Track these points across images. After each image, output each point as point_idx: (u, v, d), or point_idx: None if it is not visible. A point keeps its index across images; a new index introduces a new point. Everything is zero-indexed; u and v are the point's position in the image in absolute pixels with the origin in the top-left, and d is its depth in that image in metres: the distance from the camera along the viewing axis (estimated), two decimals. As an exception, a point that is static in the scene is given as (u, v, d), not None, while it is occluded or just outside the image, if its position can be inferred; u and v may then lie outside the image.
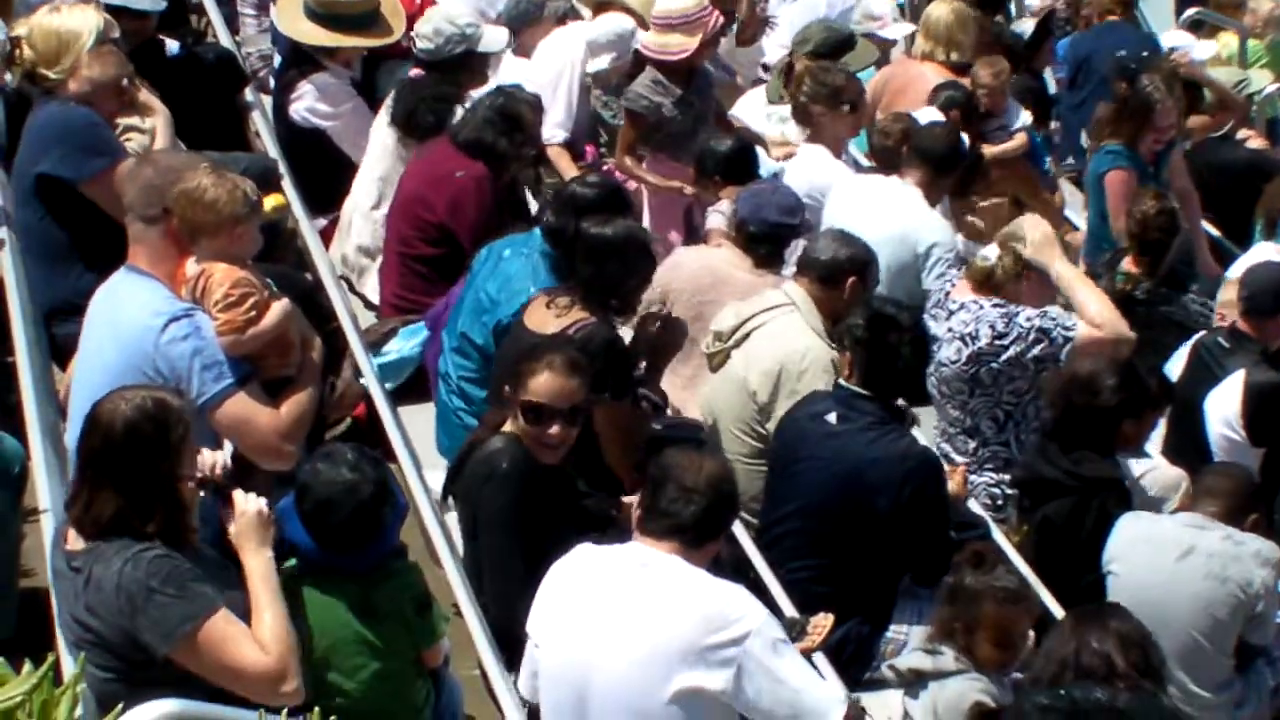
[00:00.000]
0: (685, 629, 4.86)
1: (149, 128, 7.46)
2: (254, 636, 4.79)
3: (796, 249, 7.68)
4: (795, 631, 5.94)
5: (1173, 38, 11.84)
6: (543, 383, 5.78)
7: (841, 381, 6.55)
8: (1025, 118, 9.89)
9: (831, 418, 6.45)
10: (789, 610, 6.16)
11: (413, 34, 8.68)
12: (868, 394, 6.45)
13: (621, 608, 4.95)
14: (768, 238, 7.54)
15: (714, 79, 9.47)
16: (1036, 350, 7.31)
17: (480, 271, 7.11)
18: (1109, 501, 6.77)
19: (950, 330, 7.49)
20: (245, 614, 4.86)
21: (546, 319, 6.41)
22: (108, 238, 6.02)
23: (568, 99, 9.30)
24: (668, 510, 5.04)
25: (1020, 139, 9.72)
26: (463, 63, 8.60)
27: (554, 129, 9.23)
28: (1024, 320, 7.37)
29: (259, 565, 4.92)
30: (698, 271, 7.53)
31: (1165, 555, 6.33)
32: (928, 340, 6.73)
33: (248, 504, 4.99)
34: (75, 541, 4.84)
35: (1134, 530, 6.51)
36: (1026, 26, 10.99)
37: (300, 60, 9.00)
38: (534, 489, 5.74)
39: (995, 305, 7.45)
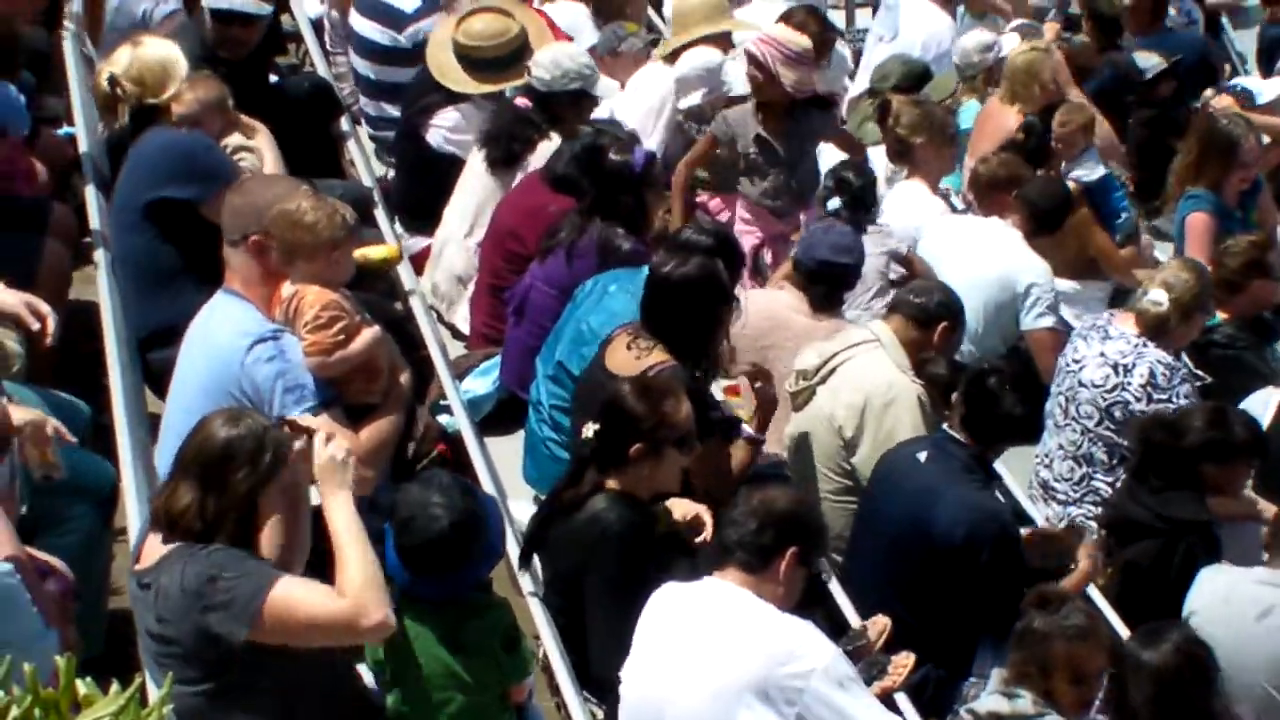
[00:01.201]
0: (751, 664, 4.86)
1: (256, 146, 7.58)
2: (332, 587, 4.78)
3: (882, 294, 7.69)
4: (861, 644, 5.95)
5: (1243, 83, 11.77)
6: (687, 409, 5.79)
7: (945, 426, 6.57)
8: (1092, 171, 9.78)
9: (921, 456, 6.47)
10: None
11: (529, 62, 8.62)
12: (963, 440, 6.45)
13: (692, 643, 4.97)
14: (822, 277, 7.50)
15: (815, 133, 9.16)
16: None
17: (584, 303, 7.09)
18: (1196, 546, 6.73)
19: (1103, 355, 7.50)
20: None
21: (626, 360, 6.38)
22: (219, 257, 6.11)
23: (659, 133, 9.31)
24: (723, 539, 5.13)
25: (1071, 187, 9.65)
26: (572, 100, 8.56)
27: None
28: (1183, 395, 7.39)
29: (338, 507, 4.93)
30: (757, 316, 7.45)
31: (1243, 613, 6.22)
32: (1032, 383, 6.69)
33: (328, 445, 4.99)
34: (145, 560, 4.88)
35: (1214, 585, 6.40)
36: (1151, 62, 10.92)
37: (443, 86, 9.05)
38: (644, 549, 5.69)
39: (1159, 347, 7.46)
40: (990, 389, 6.42)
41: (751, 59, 8.67)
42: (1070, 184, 9.56)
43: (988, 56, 10.71)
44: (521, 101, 8.57)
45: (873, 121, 9.90)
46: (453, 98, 8.97)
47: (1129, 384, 7.41)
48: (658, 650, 5.08)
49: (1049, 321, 8.37)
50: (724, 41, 9.72)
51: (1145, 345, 7.47)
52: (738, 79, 9.25)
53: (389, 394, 5.98)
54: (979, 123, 10.20)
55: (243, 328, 5.83)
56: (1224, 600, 6.28)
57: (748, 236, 8.60)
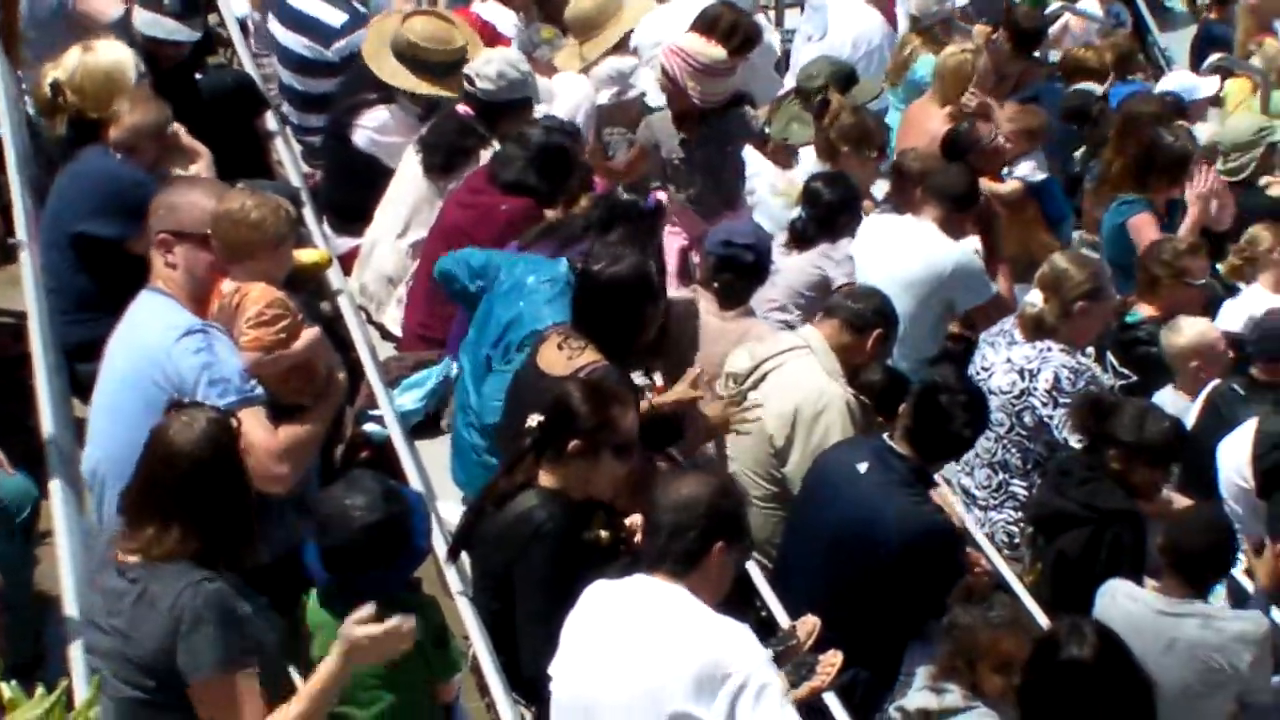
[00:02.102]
0: (681, 669, 4.82)
1: (195, 174, 7.49)
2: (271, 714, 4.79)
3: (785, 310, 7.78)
4: (791, 643, 5.97)
5: (1175, 79, 11.90)
6: (633, 420, 5.79)
7: (885, 436, 6.58)
8: (1035, 173, 9.87)
9: (862, 466, 6.47)
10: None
11: (470, 73, 8.56)
12: (904, 452, 6.47)
13: (623, 643, 4.94)
14: (725, 264, 7.53)
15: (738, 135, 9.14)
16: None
17: (502, 299, 7.08)
18: (1124, 535, 6.80)
19: (1009, 361, 7.56)
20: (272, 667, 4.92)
21: (558, 360, 6.40)
22: (137, 289, 6.08)
23: (580, 126, 9.27)
24: (649, 548, 5.04)
25: (1012, 184, 9.72)
26: (513, 107, 8.51)
27: None
28: None
29: (333, 666, 4.87)
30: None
31: (1148, 650, 6.07)
32: (983, 406, 6.68)
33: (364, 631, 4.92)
34: (130, 556, 4.84)
35: (1114, 614, 6.35)
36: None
37: (374, 87, 8.99)
38: (575, 548, 5.68)
39: (1064, 351, 7.51)
40: (943, 407, 6.44)
41: (661, 69, 8.71)
42: (1015, 184, 9.65)
43: (945, 6, 10.82)
44: (463, 109, 8.55)
45: (799, 122, 9.93)
46: (383, 98, 8.94)
47: (1035, 389, 7.47)
48: (588, 649, 5.06)
49: (989, 292, 8.51)
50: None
51: (1049, 350, 7.53)
52: (650, 84, 9.26)
53: (319, 395, 5.96)
54: (904, 124, 10.29)
55: (170, 320, 5.78)
56: (1135, 631, 6.19)
57: (675, 238, 8.61)
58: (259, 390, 5.72)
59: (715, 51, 8.70)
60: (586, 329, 6.47)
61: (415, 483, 6.66)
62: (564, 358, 6.40)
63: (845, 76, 10.16)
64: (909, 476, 6.44)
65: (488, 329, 7.05)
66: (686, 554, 4.95)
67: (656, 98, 9.27)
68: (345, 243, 8.79)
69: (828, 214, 8.33)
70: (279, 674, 5.09)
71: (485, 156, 8.31)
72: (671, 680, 4.81)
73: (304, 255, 7.27)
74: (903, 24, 11.65)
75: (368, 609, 4.92)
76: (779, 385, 6.97)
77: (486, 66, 8.49)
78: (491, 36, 9.38)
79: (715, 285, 7.57)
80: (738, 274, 7.55)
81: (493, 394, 6.82)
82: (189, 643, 4.69)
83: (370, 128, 8.91)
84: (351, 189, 8.87)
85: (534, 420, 5.82)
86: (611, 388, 5.89)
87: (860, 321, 7.03)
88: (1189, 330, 8.01)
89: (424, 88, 8.83)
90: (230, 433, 4.90)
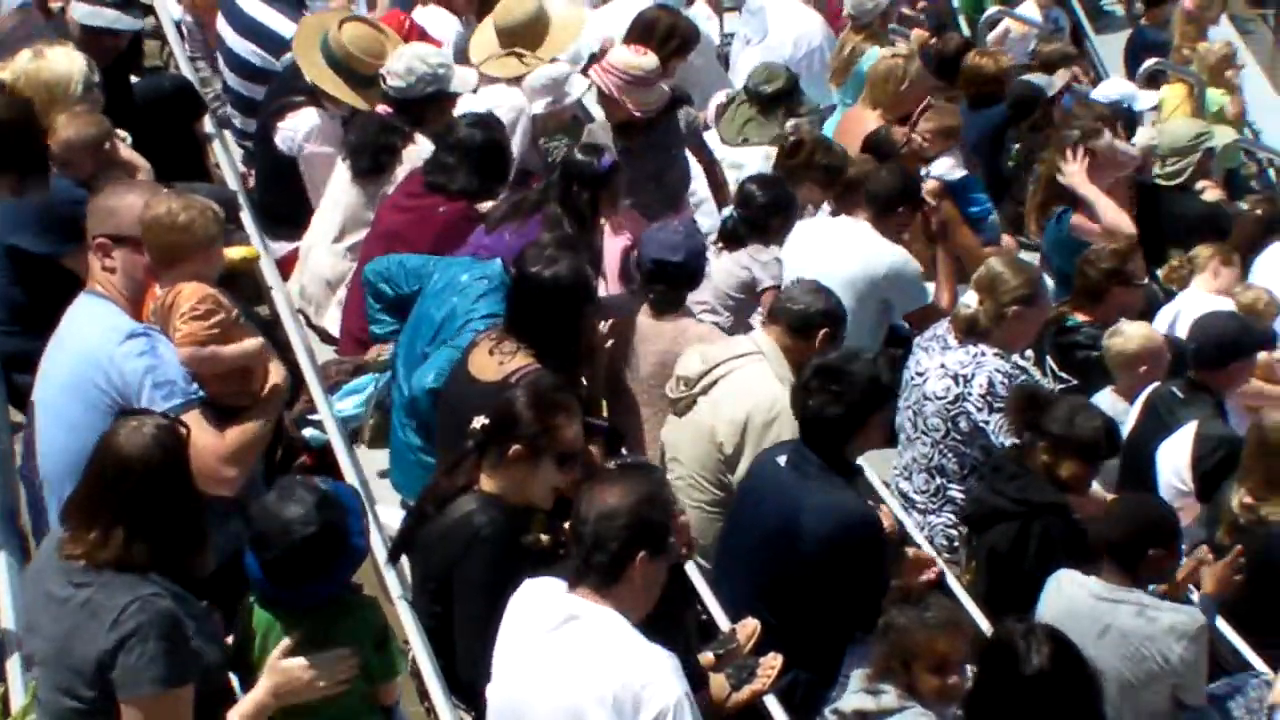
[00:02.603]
0: (600, 690, 4.76)
1: None
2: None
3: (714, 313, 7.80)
4: (731, 646, 5.96)
5: (1115, 86, 11.97)
6: (577, 430, 5.78)
7: None
8: (952, 171, 9.91)
9: (781, 460, 6.45)
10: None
11: (383, 70, 8.58)
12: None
13: (550, 658, 4.88)
14: (657, 276, 7.49)
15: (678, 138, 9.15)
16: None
17: (435, 298, 7.08)
18: (1053, 528, 6.79)
19: (944, 367, 7.53)
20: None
21: (489, 365, 6.37)
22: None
23: (515, 149, 9.22)
24: (574, 554, 4.96)
25: (931, 184, 9.77)
26: (431, 101, 8.53)
27: None
28: None
29: (250, 698, 4.94)
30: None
31: (1084, 635, 6.04)
32: (857, 383, 6.41)
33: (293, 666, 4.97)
34: (75, 561, 4.81)
35: (1059, 598, 6.41)
36: (1047, 81, 11.09)
37: (300, 91, 8.92)
38: (513, 552, 5.66)
39: (998, 355, 7.50)
40: (809, 390, 6.40)
41: (596, 89, 8.72)
42: (933, 183, 9.68)
43: (881, 1, 10.86)
44: (382, 108, 8.52)
45: (755, 123, 9.91)
46: (303, 104, 8.87)
47: (969, 395, 7.46)
48: (519, 656, 5.02)
49: (925, 298, 8.52)
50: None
51: (983, 354, 7.51)
52: (582, 89, 9.25)
53: (260, 397, 5.93)
54: (839, 130, 10.29)
55: (111, 324, 5.78)
56: (1074, 616, 6.26)
57: (619, 239, 8.60)
58: (202, 393, 5.71)
59: (645, 61, 8.70)
60: (523, 332, 6.45)
61: (353, 483, 6.63)
62: (495, 363, 6.40)
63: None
64: (825, 467, 6.38)
65: (422, 329, 7.04)
66: (608, 566, 4.87)
67: (593, 102, 9.26)
68: (281, 246, 8.74)
69: (760, 216, 8.33)
70: (222, 686, 5.07)
71: (410, 153, 8.30)
72: (593, 702, 4.78)
73: (231, 252, 7.22)
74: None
75: (287, 641, 4.95)
76: (730, 391, 6.95)
77: (396, 63, 8.53)
78: (420, 40, 9.34)
79: (650, 296, 7.55)
80: (670, 284, 7.52)
81: (434, 365, 6.83)
82: (129, 658, 4.66)
83: (292, 130, 8.83)
84: (280, 192, 8.83)
85: (479, 423, 5.82)
86: (557, 397, 5.87)
87: (804, 324, 7.01)
88: (1136, 335, 8.06)
89: (346, 94, 8.78)
90: (179, 438, 4.88)
